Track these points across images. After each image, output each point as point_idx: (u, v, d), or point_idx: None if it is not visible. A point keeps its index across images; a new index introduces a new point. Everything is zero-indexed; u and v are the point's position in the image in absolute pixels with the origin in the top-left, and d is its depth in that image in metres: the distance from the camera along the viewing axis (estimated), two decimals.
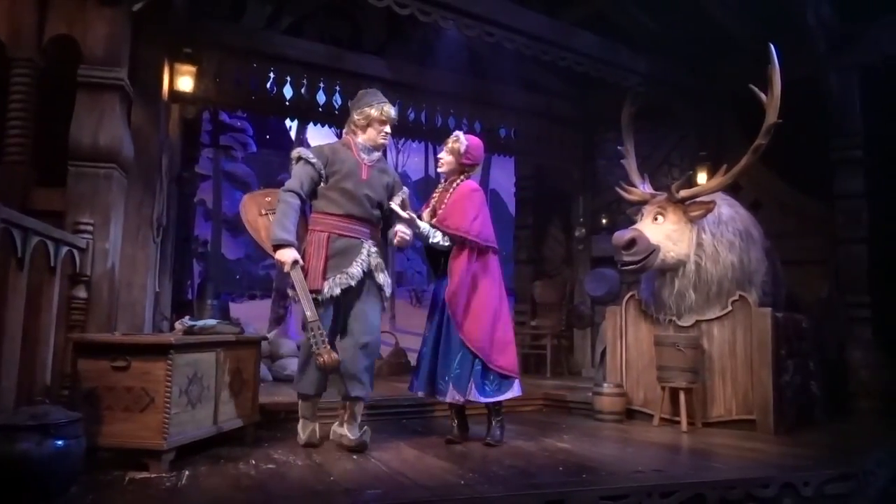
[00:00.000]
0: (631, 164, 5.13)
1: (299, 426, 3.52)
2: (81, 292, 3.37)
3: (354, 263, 3.35)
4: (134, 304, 4.49)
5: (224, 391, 3.33)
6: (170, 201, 5.33)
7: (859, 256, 5.67)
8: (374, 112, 3.50)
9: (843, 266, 5.73)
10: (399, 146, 22.19)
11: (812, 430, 4.34)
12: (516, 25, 5.37)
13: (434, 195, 3.86)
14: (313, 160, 3.40)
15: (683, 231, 4.38)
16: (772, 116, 4.28)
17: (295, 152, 3.48)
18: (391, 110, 3.56)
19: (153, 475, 2.70)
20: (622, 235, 4.39)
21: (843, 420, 4.81)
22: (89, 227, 3.44)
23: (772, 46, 4.32)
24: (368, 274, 3.41)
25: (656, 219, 4.46)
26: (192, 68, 5.42)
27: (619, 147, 5.32)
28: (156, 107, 4.94)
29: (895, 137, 5.62)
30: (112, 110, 3.61)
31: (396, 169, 22.10)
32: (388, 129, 3.55)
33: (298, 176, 3.38)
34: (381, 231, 3.61)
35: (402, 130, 7.38)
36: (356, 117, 3.54)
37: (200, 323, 3.38)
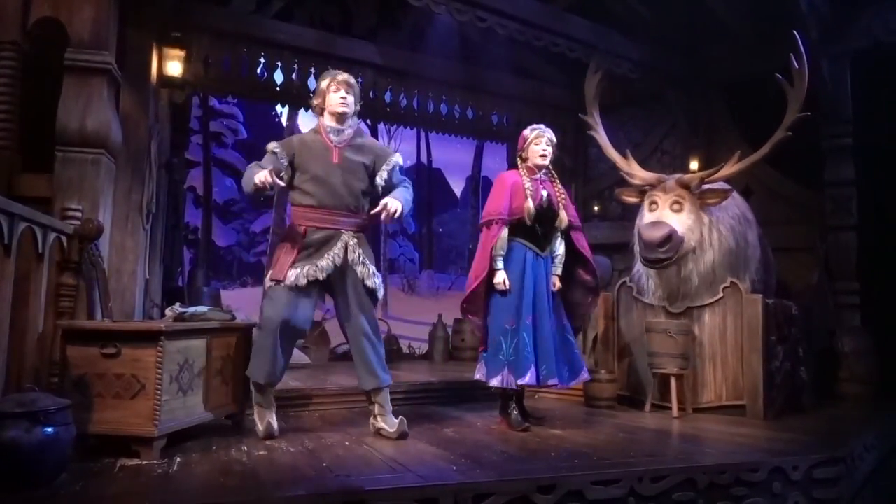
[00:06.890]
0: (601, 138, 4.85)
1: (255, 416, 3.34)
2: (70, 279, 3.34)
3: (326, 256, 3.25)
4: (124, 291, 4.47)
5: (215, 378, 3.32)
6: (159, 188, 5.30)
7: (848, 244, 5.72)
8: (323, 84, 3.39)
9: (833, 253, 5.78)
10: (391, 132, 22.08)
11: (801, 415, 4.38)
12: (508, 10, 5.33)
13: (527, 186, 3.68)
14: (277, 150, 3.30)
15: (699, 219, 4.31)
16: (795, 110, 4.16)
17: (269, 145, 3.37)
18: (343, 75, 3.41)
19: (144, 462, 2.70)
20: (656, 232, 4.12)
21: (832, 405, 4.85)
22: (77, 214, 3.40)
23: (797, 35, 4.14)
24: (348, 267, 3.29)
25: (674, 208, 4.31)
26: (180, 52, 5.37)
27: (581, 116, 5.00)
28: (144, 91, 4.89)
29: (886, 125, 5.64)
30: (99, 95, 3.56)
31: None
32: (343, 93, 3.36)
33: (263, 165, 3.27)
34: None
35: (393, 116, 7.37)
36: (314, 102, 3.45)
37: (191, 310, 3.36)
